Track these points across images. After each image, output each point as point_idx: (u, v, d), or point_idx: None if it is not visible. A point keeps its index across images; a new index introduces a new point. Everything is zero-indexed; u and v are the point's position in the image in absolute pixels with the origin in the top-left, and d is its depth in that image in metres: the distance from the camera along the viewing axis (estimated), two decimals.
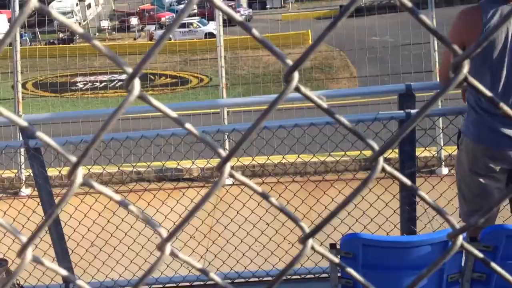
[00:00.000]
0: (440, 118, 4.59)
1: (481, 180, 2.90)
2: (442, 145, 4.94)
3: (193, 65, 16.60)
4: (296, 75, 0.47)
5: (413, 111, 3.22)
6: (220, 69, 8.97)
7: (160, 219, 3.84)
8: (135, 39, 23.40)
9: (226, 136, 4.47)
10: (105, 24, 26.09)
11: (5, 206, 4.34)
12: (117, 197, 0.54)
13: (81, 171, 0.49)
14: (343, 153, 3.78)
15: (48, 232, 3.73)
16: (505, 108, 0.55)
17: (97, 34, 25.59)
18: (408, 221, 3.36)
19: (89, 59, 14.50)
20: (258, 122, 0.51)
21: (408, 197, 3.36)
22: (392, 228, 3.48)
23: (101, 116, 5.80)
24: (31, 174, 3.62)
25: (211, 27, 21.92)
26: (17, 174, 7.94)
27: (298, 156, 3.63)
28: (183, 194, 4.17)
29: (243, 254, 3.77)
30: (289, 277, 3.74)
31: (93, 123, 8.65)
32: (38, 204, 3.69)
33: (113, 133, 3.55)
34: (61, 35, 22.16)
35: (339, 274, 2.59)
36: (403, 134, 0.52)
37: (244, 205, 3.56)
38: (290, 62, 0.48)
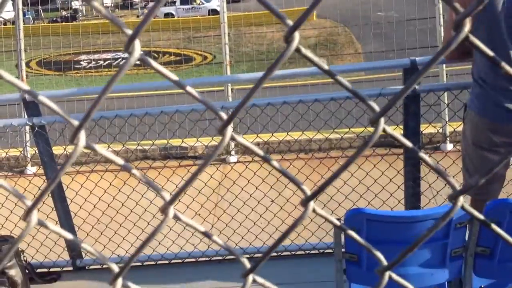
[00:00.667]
0: (446, 94, 4.56)
1: (484, 153, 2.90)
2: (447, 120, 4.93)
3: (197, 43, 16.49)
4: (297, 35, 0.47)
5: (418, 86, 3.20)
6: (223, 46, 8.92)
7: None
8: (138, 16, 23.25)
9: (230, 112, 4.46)
10: (107, 1, 25.89)
11: (11, 184, 4.37)
12: (120, 160, 0.54)
13: (83, 134, 0.49)
14: (347, 129, 3.77)
15: (54, 209, 3.76)
16: (507, 67, 0.54)
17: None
18: (413, 196, 3.37)
19: (92, 37, 14.44)
20: (261, 81, 0.50)
21: (412, 173, 3.36)
22: (397, 204, 3.49)
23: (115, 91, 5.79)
24: (37, 152, 3.64)
25: (214, 3, 21.74)
26: (22, 152, 7.98)
27: (303, 133, 3.63)
28: (188, 171, 4.19)
29: (248, 230, 3.79)
30: (293, 252, 3.78)
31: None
32: (44, 181, 3.72)
33: (118, 110, 3.55)
34: (64, 13, 22.02)
35: (343, 250, 2.61)
36: (405, 93, 0.52)
37: (248, 181, 3.57)
38: (290, 22, 0.48)
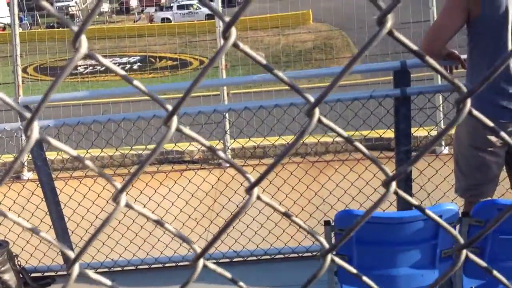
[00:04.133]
0: (440, 96, 4.58)
1: (480, 154, 2.92)
2: (440, 123, 4.95)
3: (193, 47, 16.53)
4: (233, 30, 0.49)
5: (408, 88, 3.22)
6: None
7: (159, 199, 3.87)
8: (135, 21, 23.29)
9: (223, 116, 4.48)
10: (105, 7, 25.95)
11: (5, 189, 4.38)
12: (73, 152, 0.56)
13: (37, 127, 0.50)
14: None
15: (48, 213, 3.77)
16: (430, 61, 0.56)
17: (97, 17, 25.46)
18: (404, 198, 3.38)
19: (88, 42, 14.45)
20: (199, 78, 0.52)
21: (404, 175, 3.38)
22: (389, 206, 3.51)
23: (96, 97, 5.80)
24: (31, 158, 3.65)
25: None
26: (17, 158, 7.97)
27: (295, 135, 3.65)
28: (181, 175, 4.20)
29: (241, 234, 3.80)
30: (287, 255, 3.79)
31: (93, 106, 8.66)
32: (37, 186, 3.73)
33: (110, 115, 3.56)
34: None
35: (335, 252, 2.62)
36: (336, 84, 0.54)
37: (241, 184, 3.58)
38: (227, 19, 0.50)
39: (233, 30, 0.48)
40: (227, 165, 7.83)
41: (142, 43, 14.79)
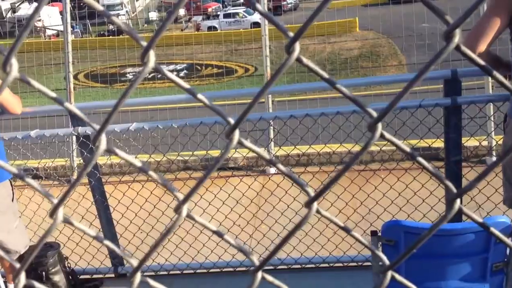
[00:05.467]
0: (491, 105, 4.46)
1: None
2: (491, 133, 4.82)
3: (239, 55, 16.66)
4: (297, 46, 0.50)
5: (459, 97, 3.15)
6: (264, 59, 8.99)
7: (205, 205, 3.91)
8: (182, 30, 23.67)
9: (269, 124, 4.50)
10: (153, 15, 26.52)
11: (57, 192, 4.52)
12: (138, 163, 0.57)
13: (104, 138, 0.52)
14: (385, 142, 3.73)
15: (98, 217, 3.87)
16: (498, 76, 0.55)
17: (145, 25, 26.04)
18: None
19: (137, 50, 14.79)
20: (267, 86, 0.53)
21: (454, 186, 3.30)
22: (437, 217, 3.43)
23: (145, 104, 5.92)
24: (82, 162, 3.76)
25: (257, 16, 21.91)
26: (69, 162, 8.23)
27: (341, 144, 3.62)
28: (226, 181, 4.23)
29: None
30: (331, 265, 3.76)
31: (141, 112, 8.84)
32: (88, 190, 3.83)
33: (158, 121, 3.63)
34: (111, 26, 22.64)
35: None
36: (397, 101, 0.53)
37: (286, 192, 3.58)
38: (291, 34, 0.50)
39: (297, 45, 0.49)
40: (272, 172, 7.85)
41: (189, 51, 15.02)
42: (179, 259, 3.93)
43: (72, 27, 9.94)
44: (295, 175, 0.58)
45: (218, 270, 3.88)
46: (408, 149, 0.56)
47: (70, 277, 3.84)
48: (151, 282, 0.60)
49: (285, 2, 23.23)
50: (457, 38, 0.50)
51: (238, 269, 3.82)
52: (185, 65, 17.37)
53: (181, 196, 0.56)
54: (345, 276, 3.66)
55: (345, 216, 3.71)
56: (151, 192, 3.80)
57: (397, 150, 0.60)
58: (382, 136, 0.53)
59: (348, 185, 3.75)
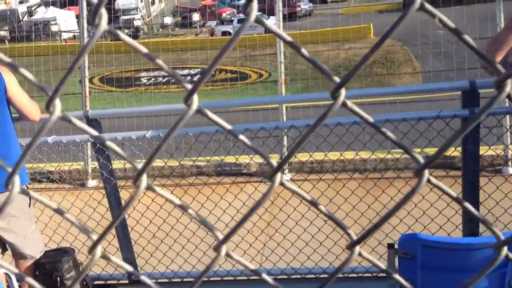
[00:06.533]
0: (508, 117, 4.43)
1: None
2: (508, 143, 4.78)
3: (253, 60, 16.69)
4: (343, 91, 0.49)
5: (477, 109, 3.13)
6: (279, 65, 8.99)
7: (219, 213, 3.91)
8: (196, 34, 23.80)
9: (284, 133, 4.50)
10: (168, 20, 26.67)
11: (72, 197, 4.54)
12: (177, 201, 0.57)
13: (145, 178, 0.52)
14: (402, 151, 3.71)
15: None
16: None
17: (160, 30, 26.20)
18: (471, 222, 3.27)
19: (152, 54, 14.88)
20: (307, 135, 0.52)
21: (471, 197, 3.26)
22: (454, 229, 3.40)
23: (162, 111, 5.94)
24: (97, 167, 3.78)
25: (271, 22, 21.91)
26: (84, 167, 8.28)
27: (357, 154, 3.61)
28: (241, 189, 4.23)
29: (300, 251, 3.78)
30: (346, 275, 3.73)
31: (156, 117, 8.88)
32: (103, 196, 3.85)
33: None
34: (126, 31, 22.82)
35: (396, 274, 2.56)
36: (450, 144, 0.53)
37: (301, 201, 3.56)
38: (337, 79, 0.50)
39: (343, 91, 0.49)
40: (286, 179, 7.83)
41: (203, 56, 15.07)
42: (193, 267, 3.92)
43: (88, 31, 10.02)
44: (337, 218, 0.57)
45: (232, 278, 3.87)
46: (454, 195, 0.55)
47: (85, 283, 3.85)
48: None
49: (299, 8, 23.26)
50: (508, 87, 0.49)
51: (238, 278, 3.81)
52: (199, 69, 17.45)
53: (220, 236, 0.55)
54: (360, 286, 3.63)
55: (361, 226, 3.68)
56: (166, 199, 3.80)
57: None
58: (429, 181, 0.52)
59: (363, 195, 3.73)
